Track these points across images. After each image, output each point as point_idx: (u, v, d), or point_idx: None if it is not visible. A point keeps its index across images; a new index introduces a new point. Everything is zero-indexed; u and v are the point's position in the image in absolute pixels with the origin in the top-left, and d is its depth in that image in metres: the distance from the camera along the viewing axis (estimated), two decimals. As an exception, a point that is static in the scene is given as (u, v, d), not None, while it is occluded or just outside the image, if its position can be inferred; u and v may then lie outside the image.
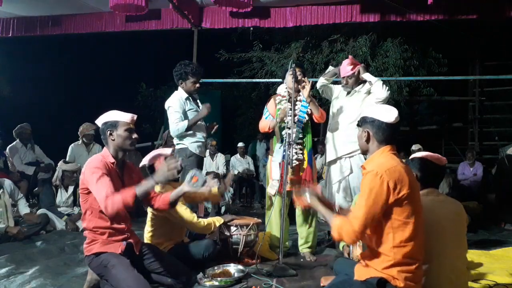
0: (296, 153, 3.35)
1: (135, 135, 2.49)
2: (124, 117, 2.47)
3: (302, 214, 3.57)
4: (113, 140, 2.44)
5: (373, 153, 2.05)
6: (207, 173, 6.56)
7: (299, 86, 3.47)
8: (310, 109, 3.52)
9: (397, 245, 1.89)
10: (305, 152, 3.50)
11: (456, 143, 9.87)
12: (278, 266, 3.01)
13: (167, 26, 6.01)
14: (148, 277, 2.53)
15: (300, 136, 3.50)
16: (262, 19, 5.76)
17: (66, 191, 4.93)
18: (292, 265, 3.16)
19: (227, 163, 7.56)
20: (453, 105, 10.49)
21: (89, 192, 2.36)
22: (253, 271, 3.01)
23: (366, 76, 3.64)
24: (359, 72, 3.67)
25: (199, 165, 3.87)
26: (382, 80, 3.71)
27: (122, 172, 2.54)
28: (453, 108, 10.59)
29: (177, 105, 3.64)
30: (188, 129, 3.64)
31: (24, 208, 4.36)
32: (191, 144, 3.71)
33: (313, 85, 3.86)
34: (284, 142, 3.33)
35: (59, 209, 4.79)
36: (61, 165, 4.97)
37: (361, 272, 2.00)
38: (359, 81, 3.71)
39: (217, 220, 3.14)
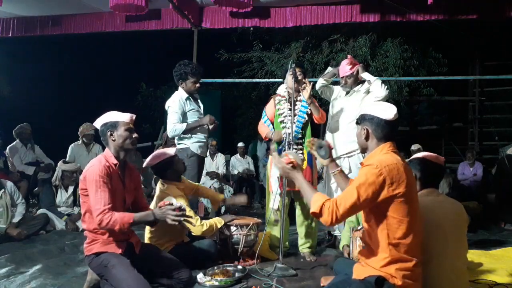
0: (295, 153, 3.35)
1: (135, 135, 2.50)
2: (123, 117, 2.48)
3: (302, 214, 3.58)
4: (114, 140, 2.45)
5: (373, 150, 2.05)
6: (207, 173, 6.57)
7: (300, 87, 3.48)
8: (310, 109, 3.52)
9: (392, 242, 1.89)
10: (305, 152, 3.50)
11: (456, 143, 9.87)
12: (278, 266, 3.01)
13: (167, 26, 6.01)
14: (148, 277, 2.52)
15: (300, 136, 3.50)
16: (262, 19, 5.76)
17: (66, 191, 4.93)
18: (292, 265, 3.16)
19: (227, 163, 7.56)
20: (453, 105, 10.49)
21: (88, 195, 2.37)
22: (253, 271, 3.01)
23: (365, 75, 3.65)
24: (358, 71, 3.67)
25: (200, 165, 3.87)
26: (382, 80, 3.72)
27: (124, 174, 2.55)
28: (453, 108, 10.59)
29: (177, 106, 3.64)
30: (185, 132, 3.63)
31: (17, 216, 4.31)
32: (193, 144, 3.71)
33: (313, 86, 3.87)
34: (284, 142, 3.33)
35: (59, 209, 4.80)
36: (60, 165, 4.97)
37: (359, 271, 2.00)
38: (358, 81, 3.71)
39: (218, 222, 3.15)
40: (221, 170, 6.95)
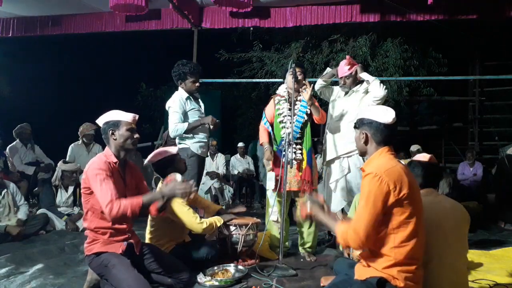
0: (295, 152, 3.35)
1: (136, 135, 2.49)
2: (126, 116, 2.48)
3: (302, 214, 3.57)
4: (115, 139, 2.45)
5: (372, 154, 2.05)
6: (207, 173, 6.57)
7: (300, 87, 3.48)
8: (310, 110, 3.52)
9: (397, 246, 1.89)
10: (304, 152, 3.50)
11: (456, 143, 9.87)
12: (278, 266, 3.01)
13: (167, 26, 6.02)
14: (148, 277, 2.53)
15: (299, 136, 3.50)
16: (262, 19, 5.76)
17: (66, 191, 4.93)
18: (292, 265, 3.16)
19: (227, 163, 7.56)
20: (453, 105, 10.49)
21: (91, 193, 2.37)
22: (253, 271, 3.02)
23: (364, 75, 3.66)
24: (356, 72, 3.68)
25: (201, 165, 3.87)
26: (382, 80, 3.72)
27: (124, 172, 2.55)
28: (453, 108, 10.58)
29: (177, 106, 3.64)
30: (187, 132, 3.63)
31: (23, 214, 4.35)
32: (193, 144, 3.71)
33: (313, 87, 3.89)
34: (284, 142, 3.33)
35: (59, 209, 4.80)
36: (60, 165, 4.97)
37: (361, 272, 2.00)
38: (357, 81, 3.72)
39: (218, 220, 3.15)
40: (221, 170, 6.96)
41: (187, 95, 3.72)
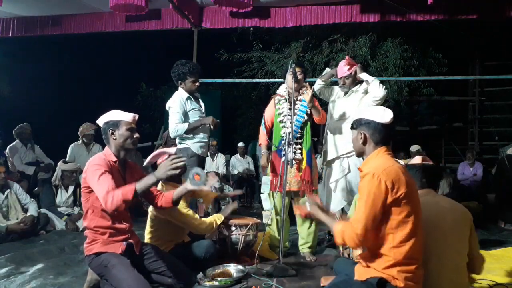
0: (294, 152, 3.35)
1: (136, 135, 2.49)
2: (126, 116, 2.48)
3: (302, 214, 3.57)
4: (115, 139, 2.45)
5: (369, 154, 2.05)
6: (207, 173, 6.57)
7: (300, 90, 3.49)
8: (310, 110, 3.53)
9: (396, 245, 1.89)
10: (304, 151, 3.50)
11: (456, 143, 9.87)
12: (278, 266, 3.01)
13: (167, 26, 6.02)
14: (148, 277, 2.53)
15: (299, 135, 3.50)
16: (262, 19, 5.76)
17: (66, 191, 4.94)
18: (292, 265, 3.16)
19: (227, 163, 7.56)
20: (453, 105, 10.49)
21: (91, 191, 2.36)
22: (253, 271, 3.02)
23: (363, 75, 3.66)
24: (356, 72, 3.68)
25: (201, 165, 3.87)
26: (382, 80, 3.72)
27: (124, 171, 2.55)
28: (453, 108, 10.59)
29: (178, 106, 3.63)
30: (187, 132, 3.63)
31: (34, 211, 4.38)
32: (194, 144, 3.71)
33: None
34: (284, 141, 3.33)
35: (59, 209, 4.80)
36: (60, 165, 4.98)
37: (361, 272, 2.00)
38: (356, 81, 3.72)
39: (218, 218, 3.14)
40: (221, 170, 6.96)
41: (187, 95, 3.71)
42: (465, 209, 2.32)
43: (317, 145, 6.38)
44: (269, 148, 3.68)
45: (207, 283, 2.74)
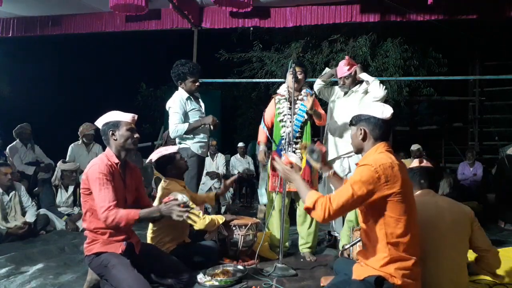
0: (294, 151, 3.35)
1: (136, 135, 2.50)
2: (125, 117, 2.48)
3: (302, 214, 3.58)
4: (115, 140, 2.45)
5: (368, 150, 2.05)
6: (207, 173, 6.57)
7: (300, 96, 3.48)
8: (312, 115, 3.55)
9: (390, 241, 1.90)
10: (303, 151, 3.50)
11: (456, 143, 9.88)
12: (278, 266, 3.01)
13: (167, 26, 6.01)
14: (148, 277, 2.53)
15: (298, 135, 3.50)
16: (262, 19, 5.76)
17: (66, 191, 4.94)
18: (292, 265, 3.16)
19: (227, 163, 7.55)
20: (453, 105, 10.50)
21: (91, 193, 2.37)
22: (253, 271, 3.02)
23: (363, 76, 3.65)
24: (356, 72, 3.67)
25: (201, 165, 3.87)
26: (382, 80, 3.72)
27: (125, 173, 2.55)
28: (453, 108, 10.59)
29: (178, 106, 3.63)
30: (187, 132, 3.63)
31: (31, 216, 4.37)
32: (193, 144, 3.70)
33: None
34: (284, 141, 3.34)
35: (59, 209, 4.80)
36: (60, 165, 4.98)
37: (359, 272, 2.01)
38: (356, 81, 3.71)
39: (219, 218, 3.15)
40: (221, 170, 6.95)
41: (187, 95, 3.71)
42: (465, 208, 2.32)
43: (317, 145, 6.37)
44: (269, 146, 3.68)
45: (207, 283, 2.74)
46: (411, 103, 9.88)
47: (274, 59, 8.64)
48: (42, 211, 4.66)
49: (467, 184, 6.64)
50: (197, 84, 3.74)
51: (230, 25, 5.90)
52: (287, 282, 2.87)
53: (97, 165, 2.37)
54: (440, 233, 2.18)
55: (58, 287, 2.74)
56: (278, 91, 3.79)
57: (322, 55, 8.11)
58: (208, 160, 6.72)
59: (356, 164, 2.06)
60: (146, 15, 5.68)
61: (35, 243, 4.05)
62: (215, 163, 7.00)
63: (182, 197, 2.63)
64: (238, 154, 7.85)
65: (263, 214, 3.50)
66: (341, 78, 3.72)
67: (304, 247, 3.58)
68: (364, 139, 2.06)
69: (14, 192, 4.33)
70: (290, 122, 3.34)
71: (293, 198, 3.61)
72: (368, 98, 3.59)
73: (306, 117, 3.54)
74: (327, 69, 4.10)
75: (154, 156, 3.15)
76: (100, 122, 2.50)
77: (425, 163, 2.54)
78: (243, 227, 3.22)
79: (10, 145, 5.61)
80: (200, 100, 3.89)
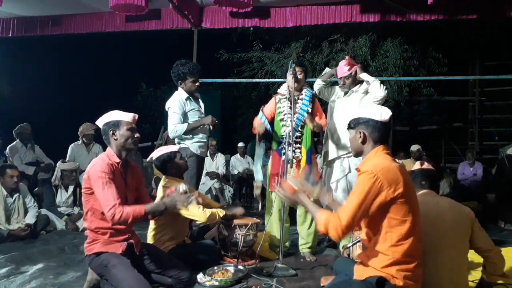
0: (294, 151, 3.35)
1: (137, 134, 2.50)
2: (126, 116, 2.48)
3: (302, 214, 3.58)
4: (116, 139, 2.45)
5: (368, 153, 2.05)
6: (207, 173, 6.57)
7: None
8: (311, 109, 3.55)
9: (395, 244, 1.89)
10: (303, 151, 3.51)
11: (456, 143, 9.87)
12: (278, 266, 3.01)
13: (167, 26, 6.02)
14: (148, 277, 2.53)
15: (299, 134, 3.50)
16: (262, 19, 5.76)
17: (66, 191, 4.94)
18: (292, 265, 3.16)
19: (227, 163, 7.55)
20: (453, 105, 10.50)
21: (92, 193, 2.37)
22: (253, 271, 3.02)
23: (364, 76, 3.65)
24: (356, 72, 3.67)
25: (200, 165, 3.86)
26: (382, 80, 3.71)
27: (126, 173, 2.55)
28: (453, 108, 10.59)
29: (177, 107, 3.62)
30: (186, 133, 3.63)
31: (32, 218, 4.37)
32: (192, 144, 3.70)
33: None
34: (284, 140, 3.33)
35: (59, 209, 4.80)
36: (59, 165, 4.98)
37: (360, 272, 2.00)
38: (356, 81, 3.71)
39: (220, 211, 3.15)
40: (221, 170, 6.95)
41: (186, 95, 3.70)
42: (465, 208, 2.33)
43: (317, 145, 6.37)
44: (269, 146, 3.68)
45: (207, 283, 2.74)
46: (411, 103, 9.88)
47: (274, 59, 8.64)
48: (43, 211, 4.66)
49: (467, 184, 6.63)
50: (197, 84, 3.73)
51: (230, 25, 5.90)
52: (287, 282, 2.87)
53: (98, 165, 2.37)
54: (441, 233, 2.18)
55: (58, 287, 2.74)
56: (279, 91, 3.78)
57: (322, 55, 8.11)
58: (208, 160, 6.72)
59: (356, 169, 2.06)
60: (146, 15, 5.68)
61: (35, 243, 4.05)
62: (215, 163, 7.00)
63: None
64: (238, 154, 7.85)
65: (259, 190, 3.49)
66: (341, 78, 3.71)
67: (304, 247, 3.58)
68: (363, 142, 2.06)
69: (18, 194, 4.33)
70: (291, 121, 3.34)
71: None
72: (369, 98, 3.59)
73: (306, 116, 3.54)
74: (327, 69, 4.10)
75: (155, 154, 3.17)
76: (100, 122, 2.50)
77: (426, 165, 2.56)
78: (243, 227, 3.22)
79: (10, 145, 5.61)
80: (200, 100, 3.88)
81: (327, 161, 3.83)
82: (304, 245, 3.58)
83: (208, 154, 6.86)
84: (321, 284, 2.76)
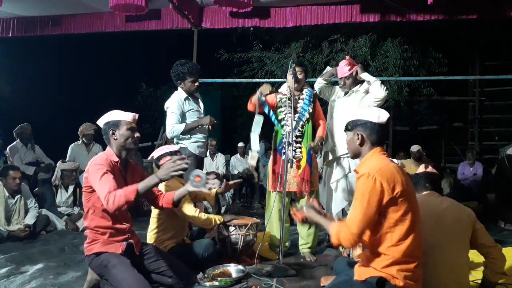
0: (294, 151, 3.35)
1: (137, 134, 2.49)
2: (126, 116, 2.48)
3: (302, 214, 3.57)
4: (116, 139, 2.45)
5: (365, 155, 2.06)
6: (207, 173, 6.57)
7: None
8: (312, 109, 3.55)
9: (395, 244, 1.89)
10: (303, 150, 3.51)
11: (456, 143, 9.88)
12: (278, 266, 3.01)
13: (167, 26, 6.02)
14: (148, 277, 2.53)
15: (299, 134, 3.50)
16: (262, 19, 5.76)
17: (66, 191, 4.93)
18: (292, 265, 3.16)
19: (227, 163, 7.55)
20: (453, 105, 10.50)
21: (93, 191, 2.36)
22: (253, 271, 3.01)
23: (364, 76, 3.65)
24: (357, 72, 3.67)
25: (199, 165, 3.86)
26: (382, 80, 3.71)
27: (126, 171, 2.55)
28: (453, 108, 10.59)
29: (175, 107, 3.61)
30: (184, 133, 3.62)
31: (31, 218, 4.36)
32: (191, 144, 3.69)
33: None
34: (284, 140, 3.33)
35: (59, 209, 4.80)
36: (59, 165, 4.98)
37: (360, 272, 2.00)
38: (357, 81, 3.71)
39: (218, 218, 3.15)
40: (221, 170, 6.95)
41: (185, 95, 3.69)
42: (466, 209, 2.33)
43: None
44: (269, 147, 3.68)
45: (207, 283, 2.74)
46: (411, 103, 9.88)
47: (274, 59, 8.64)
48: (43, 211, 4.66)
49: (467, 184, 6.63)
50: (196, 84, 3.73)
51: (230, 25, 5.90)
52: (287, 282, 2.87)
53: (97, 160, 2.39)
54: (442, 233, 2.18)
55: (58, 287, 2.74)
56: (279, 90, 3.78)
57: (322, 55, 8.11)
58: (208, 160, 6.72)
59: (355, 171, 2.06)
60: (146, 15, 5.68)
61: (35, 243, 4.05)
62: (215, 163, 7.00)
63: (196, 172, 2.45)
64: (238, 154, 7.85)
65: (254, 161, 3.46)
66: (341, 78, 3.71)
67: (304, 247, 3.58)
68: (361, 144, 2.06)
69: (19, 195, 4.33)
70: (292, 120, 3.33)
71: (293, 198, 3.61)
72: (369, 98, 3.59)
73: (307, 116, 3.54)
74: (328, 68, 4.09)
75: (155, 153, 3.17)
76: (101, 122, 2.50)
77: (430, 169, 2.60)
78: (243, 227, 3.21)
79: (10, 145, 5.61)
80: (199, 100, 3.87)
81: (327, 161, 3.84)
82: (304, 245, 3.58)
83: (208, 154, 6.86)
84: (321, 284, 2.76)
